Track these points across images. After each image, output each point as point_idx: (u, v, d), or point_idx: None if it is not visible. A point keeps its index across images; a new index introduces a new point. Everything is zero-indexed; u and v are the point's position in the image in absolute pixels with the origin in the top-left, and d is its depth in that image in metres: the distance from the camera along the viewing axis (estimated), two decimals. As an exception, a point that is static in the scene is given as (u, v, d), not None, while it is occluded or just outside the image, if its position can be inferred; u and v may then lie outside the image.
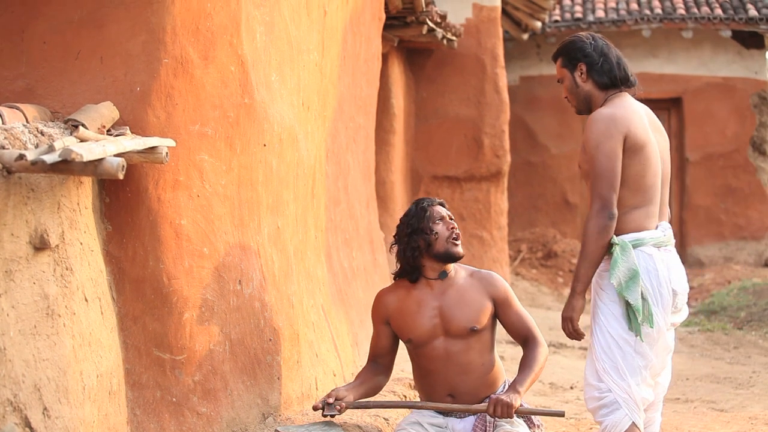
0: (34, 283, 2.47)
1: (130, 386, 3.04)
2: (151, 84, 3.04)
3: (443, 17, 8.79)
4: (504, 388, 3.53)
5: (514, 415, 3.33)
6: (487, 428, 3.41)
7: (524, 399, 3.40)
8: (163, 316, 3.10)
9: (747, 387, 6.40)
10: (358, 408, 3.51)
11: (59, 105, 3.01)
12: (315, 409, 3.38)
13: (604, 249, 3.27)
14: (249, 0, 3.38)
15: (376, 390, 3.62)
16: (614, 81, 3.42)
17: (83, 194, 2.78)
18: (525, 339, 3.55)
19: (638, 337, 3.23)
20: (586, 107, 3.50)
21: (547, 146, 13.88)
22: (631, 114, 3.33)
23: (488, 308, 3.52)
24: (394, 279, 3.64)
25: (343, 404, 3.37)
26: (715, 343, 8.60)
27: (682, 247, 13.45)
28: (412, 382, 4.00)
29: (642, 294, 3.23)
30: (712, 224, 13.57)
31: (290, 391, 3.65)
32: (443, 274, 3.54)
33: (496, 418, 3.38)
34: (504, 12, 11.44)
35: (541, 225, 13.58)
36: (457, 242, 3.52)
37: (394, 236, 3.62)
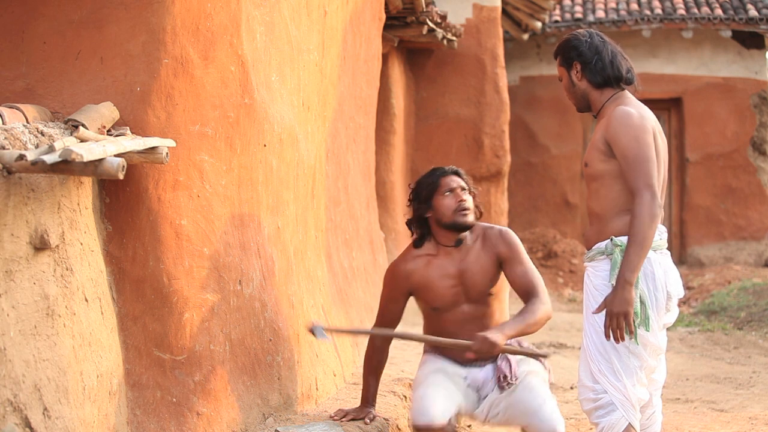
0: (34, 283, 2.47)
1: (130, 386, 3.04)
2: (151, 84, 3.04)
3: (443, 17, 8.79)
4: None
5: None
6: (512, 368, 3.48)
7: None
8: (163, 316, 3.10)
9: (747, 387, 6.38)
10: (350, 333, 3.68)
11: (59, 105, 3.01)
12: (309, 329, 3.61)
13: (653, 238, 3.20)
14: (249, 0, 3.38)
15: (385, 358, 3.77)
16: (607, 80, 3.41)
17: (83, 194, 2.78)
18: (528, 294, 3.52)
19: (633, 340, 3.22)
20: (585, 105, 3.49)
21: (547, 146, 13.87)
22: (650, 114, 3.34)
23: (498, 268, 3.59)
24: (413, 245, 3.69)
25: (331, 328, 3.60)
26: (715, 343, 8.59)
27: (682, 248, 13.44)
28: (413, 382, 3.99)
29: (640, 297, 3.22)
30: (712, 224, 13.55)
31: (290, 391, 3.65)
32: (459, 242, 3.60)
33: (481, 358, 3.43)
34: (504, 12, 11.44)
35: (541, 225, 13.57)
36: (465, 213, 3.55)
37: (408, 197, 3.71)
